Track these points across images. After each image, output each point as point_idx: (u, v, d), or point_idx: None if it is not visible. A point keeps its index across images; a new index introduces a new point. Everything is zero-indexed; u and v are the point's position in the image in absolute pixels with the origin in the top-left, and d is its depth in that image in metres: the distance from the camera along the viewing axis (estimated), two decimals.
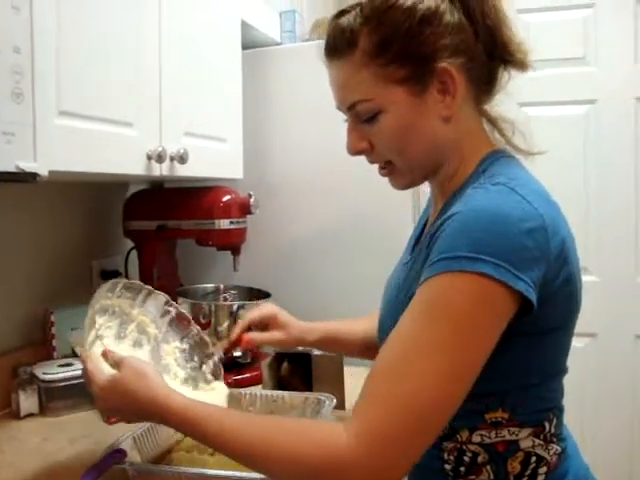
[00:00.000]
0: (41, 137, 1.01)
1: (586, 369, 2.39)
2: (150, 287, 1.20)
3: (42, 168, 1.00)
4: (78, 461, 1.19)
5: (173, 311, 1.22)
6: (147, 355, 1.16)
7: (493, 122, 1.01)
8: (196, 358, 1.23)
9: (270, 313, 1.28)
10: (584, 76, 2.52)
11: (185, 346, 1.23)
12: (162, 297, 1.22)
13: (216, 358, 1.23)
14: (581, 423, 2.41)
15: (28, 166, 0.97)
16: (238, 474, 0.99)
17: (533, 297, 0.79)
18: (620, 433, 2.51)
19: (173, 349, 1.22)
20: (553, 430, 0.91)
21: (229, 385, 1.25)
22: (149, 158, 1.40)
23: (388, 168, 0.98)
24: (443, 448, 0.92)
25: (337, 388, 1.41)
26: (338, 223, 1.98)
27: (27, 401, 1.46)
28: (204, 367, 1.22)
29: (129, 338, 1.16)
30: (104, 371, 0.97)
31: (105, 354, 0.99)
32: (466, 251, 0.77)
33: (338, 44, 0.93)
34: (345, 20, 0.92)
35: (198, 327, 1.25)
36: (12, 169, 0.94)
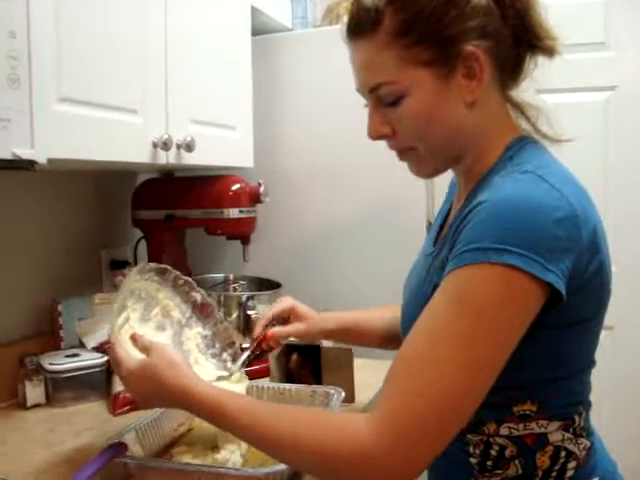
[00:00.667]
0: (39, 124, 0.99)
1: (603, 363, 2.33)
2: (178, 272, 1.21)
3: (40, 155, 0.98)
4: (81, 453, 1.17)
5: (198, 297, 1.23)
6: (169, 339, 1.17)
7: (519, 108, 0.98)
8: (217, 345, 1.23)
9: (289, 306, 1.27)
10: (604, 62, 2.46)
11: (207, 332, 1.23)
12: (189, 282, 1.22)
13: (237, 346, 1.23)
14: (599, 418, 2.36)
15: (25, 153, 0.95)
16: (236, 470, 0.97)
17: (562, 288, 0.76)
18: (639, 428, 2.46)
19: (195, 335, 1.22)
20: (582, 424, 0.89)
21: None
22: (155, 146, 1.38)
23: (409, 154, 0.95)
24: (468, 441, 0.90)
25: (347, 381, 1.38)
26: (350, 212, 1.95)
27: (33, 391, 1.45)
28: (225, 355, 1.22)
29: (153, 321, 1.17)
30: (133, 355, 0.97)
31: (134, 338, 1.00)
32: (493, 242, 0.75)
33: (361, 23, 0.89)
34: None
35: (222, 314, 1.26)
36: (8, 156, 0.92)
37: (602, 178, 2.50)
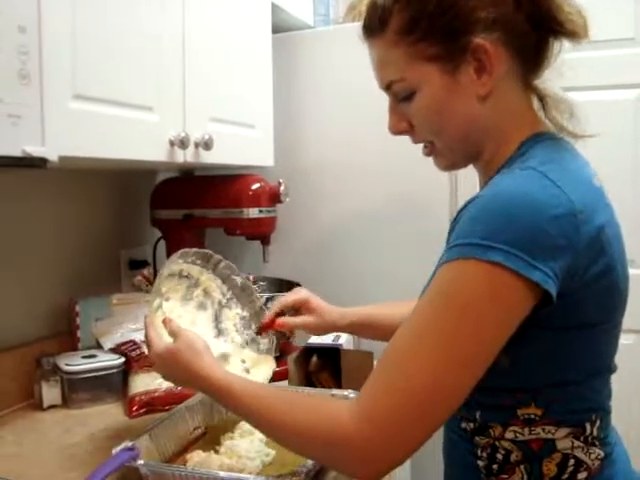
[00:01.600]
0: (51, 121, 0.97)
1: (632, 368, 2.28)
2: (220, 256, 1.27)
3: (51, 153, 0.96)
4: (94, 457, 1.16)
5: (239, 280, 1.29)
6: (210, 317, 1.25)
7: (542, 99, 0.94)
8: (254, 326, 1.28)
9: (303, 297, 1.26)
10: (634, 58, 2.39)
11: (246, 314, 1.28)
12: (230, 266, 1.28)
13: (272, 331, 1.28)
14: (627, 425, 2.30)
15: (36, 150, 0.93)
16: (252, 478, 0.94)
17: (552, 288, 0.74)
18: None
19: (234, 315, 1.28)
20: (596, 433, 0.85)
21: None
22: (172, 144, 1.36)
23: (430, 148, 0.95)
24: (476, 443, 0.88)
25: None
26: (371, 212, 1.91)
27: (50, 392, 1.44)
28: (259, 337, 1.27)
29: (194, 301, 1.24)
30: (163, 338, 1.04)
31: (165, 322, 1.07)
32: (480, 238, 0.74)
33: (372, 23, 0.91)
34: None
35: (260, 298, 1.32)
36: (18, 153, 0.90)
37: (632, 177, 2.44)
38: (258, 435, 1.15)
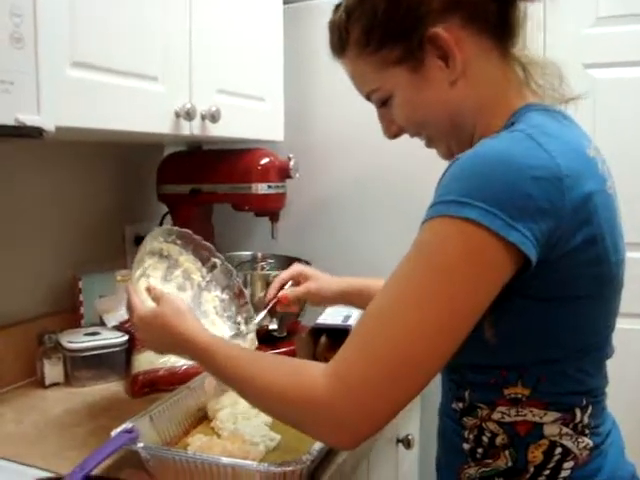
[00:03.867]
0: (47, 89, 0.92)
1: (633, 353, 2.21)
2: (200, 237, 1.27)
3: (48, 123, 0.92)
4: (94, 437, 1.12)
5: (218, 263, 1.29)
6: (189, 300, 1.24)
7: (524, 68, 0.91)
8: (233, 308, 1.29)
9: (298, 270, 1.30)
10: None
11: (225, 296, 1.30)
12: (209, 248, 1.28)
13: (250, 308, 1.29)
14: (624, 412, 2.25)
15: (30, 119, 0.88)
16: (255, 465, 0.90)
17: (531, 251, 0.71)
18: None
19: (213, 297, 1.29)
20: (587, 420, 0.82)
21: None
22: (177, 116, 1.31)
23: (425, 140, 0.96)
24: (464, 424, 0.87)
25: None
26: (382, 190, 1.86)
27: (52, 370, 1.41)
28: (239, 317, 1.29)
29: (174, 282, 1.24)
30: (146, 304, 1.03)
31: (149, 289, 1.07)
32: (458, 195, 0.72)
33: (334, 43, 0.94)
34: (336, 17, 0.92)
35: (239, 280, 1.32)
36: (11, 122, 0.86)
37: None
38: (263, 419, 1.11)
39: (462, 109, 0.87)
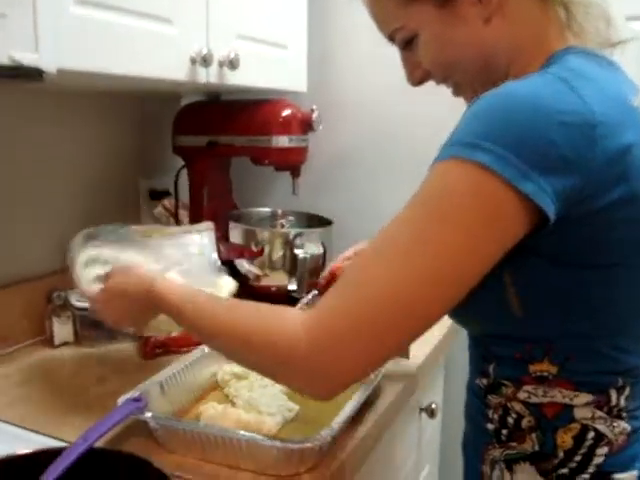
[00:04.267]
0: (47, 25, 0.84)
1: None
2: (128, 225, 1.24)
3: (47, 63, 0.83)
4: (102, 401, 1.05)
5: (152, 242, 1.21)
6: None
7: (566, 7, 0.81)
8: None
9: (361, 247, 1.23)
10: None
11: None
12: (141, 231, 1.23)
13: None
14: None
15: (27, 58, 0.80)
16: (271, 441, 0.84)
17: (548, 206, 0.64)
18: None
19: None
20: (623, 403, 0.76)
21: None
22: (193, 62, 1.22)
23: (453, 87, 0.88)
24: (488, 403, 0.82)
25: None
26: (409, 148, 1.75)
27: (61, 329, 1.36)
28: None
29: None
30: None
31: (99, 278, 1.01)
32: (471, 137, 0.65)
33: None
34: None
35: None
36: (5, 61, 0.77)
37: None
38: (280, 387, 1.04)
39: (496, 50, 0.80)
